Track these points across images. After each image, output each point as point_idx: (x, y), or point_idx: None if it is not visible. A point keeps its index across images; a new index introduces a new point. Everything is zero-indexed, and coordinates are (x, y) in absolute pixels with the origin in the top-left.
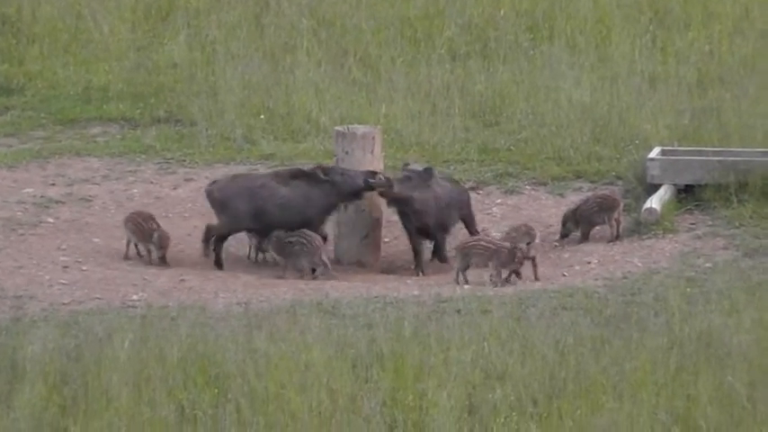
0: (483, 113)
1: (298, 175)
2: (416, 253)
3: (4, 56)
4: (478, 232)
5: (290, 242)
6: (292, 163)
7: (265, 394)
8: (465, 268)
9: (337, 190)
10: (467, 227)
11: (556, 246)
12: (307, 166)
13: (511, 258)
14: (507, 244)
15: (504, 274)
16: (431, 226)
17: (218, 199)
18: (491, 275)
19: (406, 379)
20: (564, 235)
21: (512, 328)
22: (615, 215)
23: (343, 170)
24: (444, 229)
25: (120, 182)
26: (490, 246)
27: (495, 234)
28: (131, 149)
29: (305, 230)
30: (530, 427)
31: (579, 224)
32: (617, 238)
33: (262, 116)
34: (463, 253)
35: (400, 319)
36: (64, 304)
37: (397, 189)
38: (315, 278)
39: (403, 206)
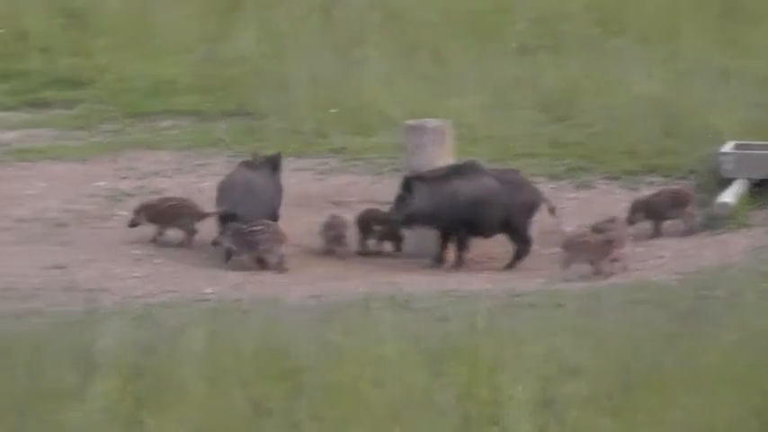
0: (554, 108)
1: None
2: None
3: (73, 49)
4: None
5: (252, 232)
6: (363, 157)
7: (339, 388)
8: (573, 263)
9: None
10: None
11: (630, 240)
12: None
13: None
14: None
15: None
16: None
17: None
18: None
19: (481, 373)
20: (630, 222)
21: (585, 323)
22: (687, 209)
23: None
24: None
25: (190, 175)
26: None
27: (568, 229)
28: (201, 143)
29: (265, 221)
30: (604, 421)
31: (649, 217)
32: (689, 232)
33: (332, 110)
34: (570, 247)
35: (474, 313)
36: (137, 297)
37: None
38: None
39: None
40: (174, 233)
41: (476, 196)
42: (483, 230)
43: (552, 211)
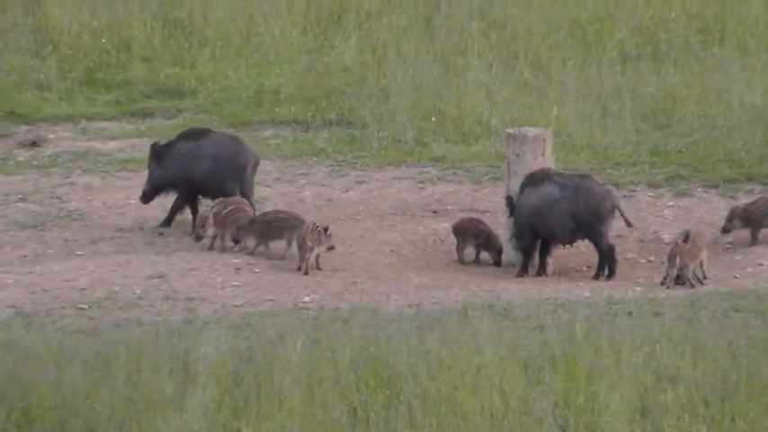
0: (654, 116)
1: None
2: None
3: (177, 59)
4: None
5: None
6: (463, 165)
7: (437, 396)
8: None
9: None
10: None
11: (728, 248)
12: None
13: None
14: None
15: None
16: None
17: None
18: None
19: (578, 381)
20: (726, 230)
21: (683, 331)
22: None
23: None
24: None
25: (291, 184)
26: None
27: (666, 236)
28: (303, 152)
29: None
30: (701, 430)
31: (747, 225)
32: None
33: (433, 119)
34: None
35: (572, 321)
36: (236, 306)
37: None
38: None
39: None
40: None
41: (540, 203)
42: (554, 237)
43: (627, 223)
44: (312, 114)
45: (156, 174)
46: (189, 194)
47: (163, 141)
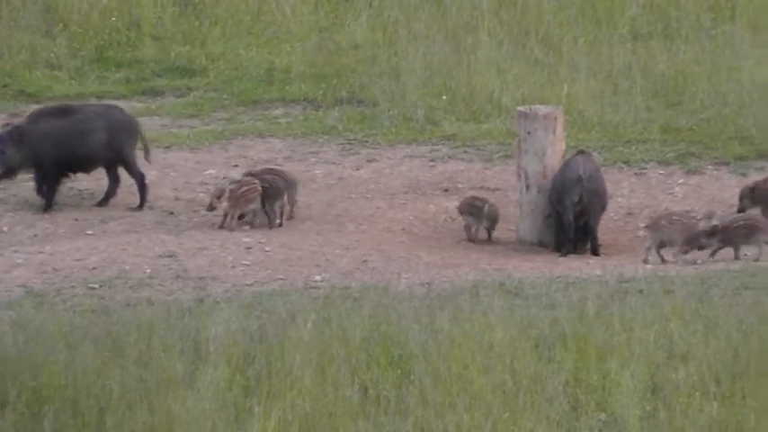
0: (665, 93)
1: None
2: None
3: (187, 37)
4: None
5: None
6: (474, 144)
7: (448, 375)
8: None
9: None
10: None
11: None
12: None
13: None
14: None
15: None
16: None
17: None
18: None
19: (590, 359)
20: (741, 210)
21: (695, 308)
22: None
23: None
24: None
25: (302, 163)
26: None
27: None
28: (314, 130)
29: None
30: (713, 407)
31: (756, 203)
32: None
33: (444, 97)
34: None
35: (583, 300)
36: (247, 285)
37: None
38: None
39: None
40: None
41: None
42: None
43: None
44: (323, 92)
45: (16, 157)
46: (62, 172)
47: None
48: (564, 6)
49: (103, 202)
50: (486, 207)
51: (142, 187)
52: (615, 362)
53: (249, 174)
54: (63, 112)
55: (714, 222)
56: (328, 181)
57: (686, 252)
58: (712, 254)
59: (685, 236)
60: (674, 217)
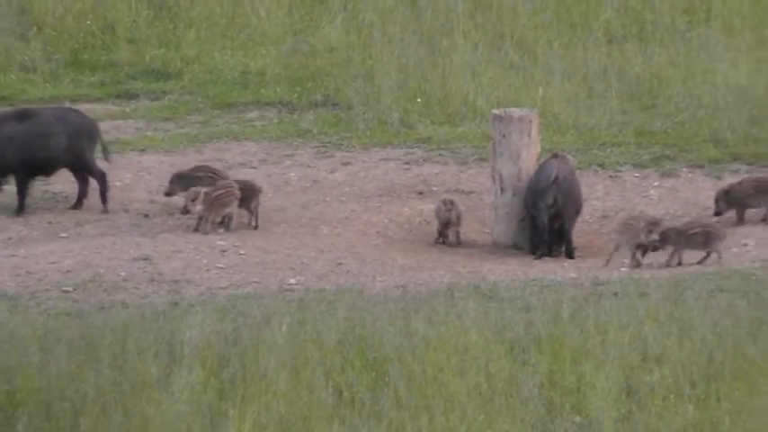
0: (640, 96)
1: None
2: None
3: (162, 41)
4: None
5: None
6: (449, 146)
7: (423, 377)
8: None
9: None
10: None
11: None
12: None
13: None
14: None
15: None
16: None
17: None
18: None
19: (564, 362)
20: (717, 213)
21: (669, 311)
22: None
23: None
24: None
25: (277, 166)
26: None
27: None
28: (288, 133)
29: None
30: (687, 410)
31: (732, 206)
32: None
33: (418, 99)
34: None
35: (558, 302)
36: (221, 288)
37: None
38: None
39: None
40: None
41: None
42: None
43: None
44: (298, 96)
45: None
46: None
47: None
48: (539, 10)
49: (77, 204)
50: (442, 209)
51: (104, 186)
52: (590, 364)
53: (179, 174)
54: (22, 116)
55: (654, 237)
56: (303, 184)
57: (634, 257)
58: (669, 260)
59: (636, 241)
60: (630, 221)
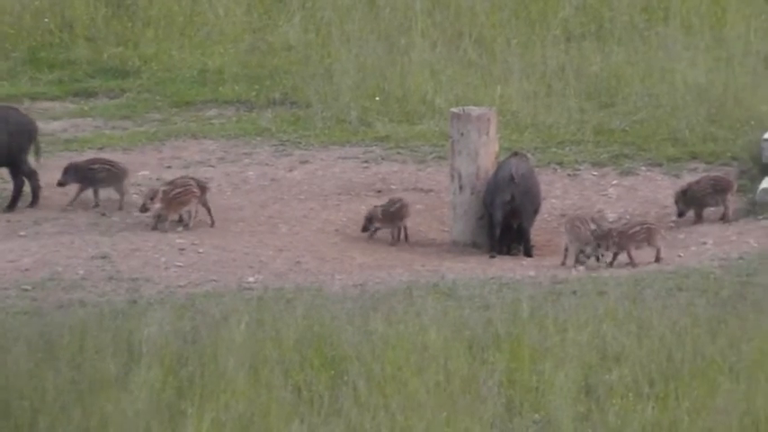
0: (598, 94)
1: None
2: None
3: (120, 39)
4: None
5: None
6: (407, 145)
7: (382, 376)
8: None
9: None
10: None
11: (671, 227)
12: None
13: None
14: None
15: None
16: None
17: None
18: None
19: (523, 360)
20: (680, 214)
21: (628, 310)
22: (728, 196)
23: None
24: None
25: (235, 164)
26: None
27: (611, 215)
28: (247, 132)
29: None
30: (646, 408)
31: (689, 206)
32: (728, 219)
33: (377, 98)
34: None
35: (516, 301)
36: (180, 286)
37: None
38: None
39: None
40: None
41: None
42: None
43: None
44: (256, 94)
45: None
46: None
47: None
48: (497, 8)
49: (34, 201)
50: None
51: (35, 184)
52: (549, 363)
53: (74, 165)
54: None
55: (603, 252)
56: (261, 182)
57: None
58: (612, 260)
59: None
60: (577, 222)
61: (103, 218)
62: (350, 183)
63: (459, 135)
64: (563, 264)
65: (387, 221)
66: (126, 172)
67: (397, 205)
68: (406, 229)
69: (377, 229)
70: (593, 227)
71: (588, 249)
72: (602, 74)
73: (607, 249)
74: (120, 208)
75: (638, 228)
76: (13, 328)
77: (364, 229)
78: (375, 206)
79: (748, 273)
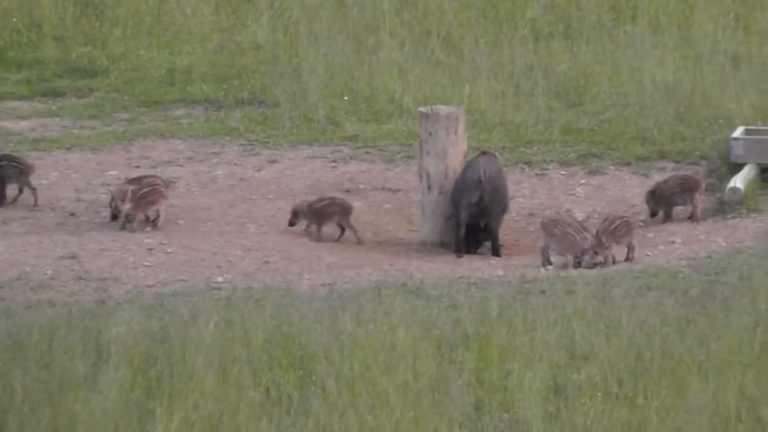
0: (566, 94)
1: None
2: None
3: (88, 38)
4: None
5: None
6: (375, 144)
7: (351, 375)
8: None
9: None
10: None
11: (640, 225)
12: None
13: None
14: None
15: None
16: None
17: None
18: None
19: (492, 359)
20: (653, 213)
21: (597, 309)
22: (696, 195)
23: None
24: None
25: (203, 164)
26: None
27: (579, 215)
28: (215, 131)
29: None
30: (615, 408)
31: (659, 205)
32: (696, 218)
33: (345, 97)
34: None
35: (485, 300)
36: (148, 286)
37: None
38: None
39: None
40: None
41: None
42: None
43: None
44: (224, 93)
45: None
46: None
47: None
48: (465, 7)
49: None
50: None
51: None
52: (518, 362)
53: None
54: None
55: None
56: (230, 182)
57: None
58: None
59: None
60: (570, 230)
61: (72, 217)
62: (318, 182)
63: (427, 134)
64: (543, 266)
65: (311, 217)
66: (32, 168)
67: (324, 203)
68: (345, 228)
69: (309, 225)
70: (587, 235)
71: (586, 257)
72: (571, 73)
73: (601, 254)
74: (35, 204)
75: (618, 222)
76: None
77: (290, 223)
78: (302, 200)
79: (717, 272)
